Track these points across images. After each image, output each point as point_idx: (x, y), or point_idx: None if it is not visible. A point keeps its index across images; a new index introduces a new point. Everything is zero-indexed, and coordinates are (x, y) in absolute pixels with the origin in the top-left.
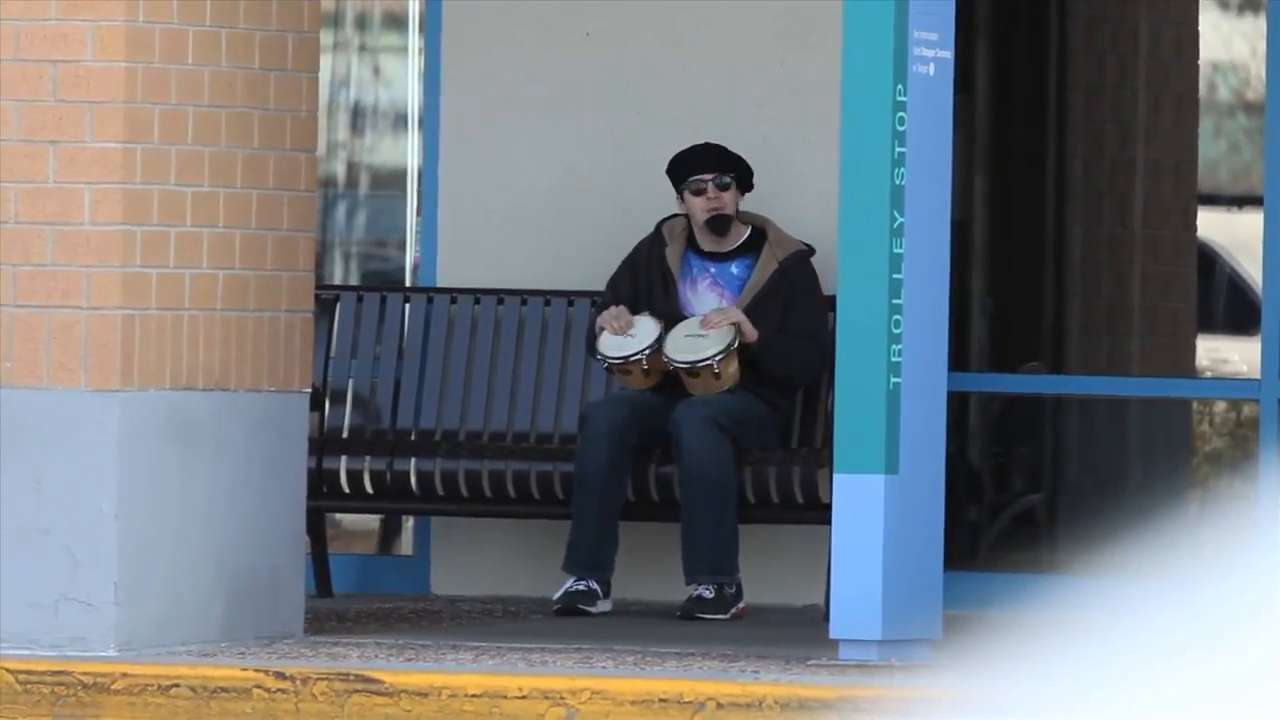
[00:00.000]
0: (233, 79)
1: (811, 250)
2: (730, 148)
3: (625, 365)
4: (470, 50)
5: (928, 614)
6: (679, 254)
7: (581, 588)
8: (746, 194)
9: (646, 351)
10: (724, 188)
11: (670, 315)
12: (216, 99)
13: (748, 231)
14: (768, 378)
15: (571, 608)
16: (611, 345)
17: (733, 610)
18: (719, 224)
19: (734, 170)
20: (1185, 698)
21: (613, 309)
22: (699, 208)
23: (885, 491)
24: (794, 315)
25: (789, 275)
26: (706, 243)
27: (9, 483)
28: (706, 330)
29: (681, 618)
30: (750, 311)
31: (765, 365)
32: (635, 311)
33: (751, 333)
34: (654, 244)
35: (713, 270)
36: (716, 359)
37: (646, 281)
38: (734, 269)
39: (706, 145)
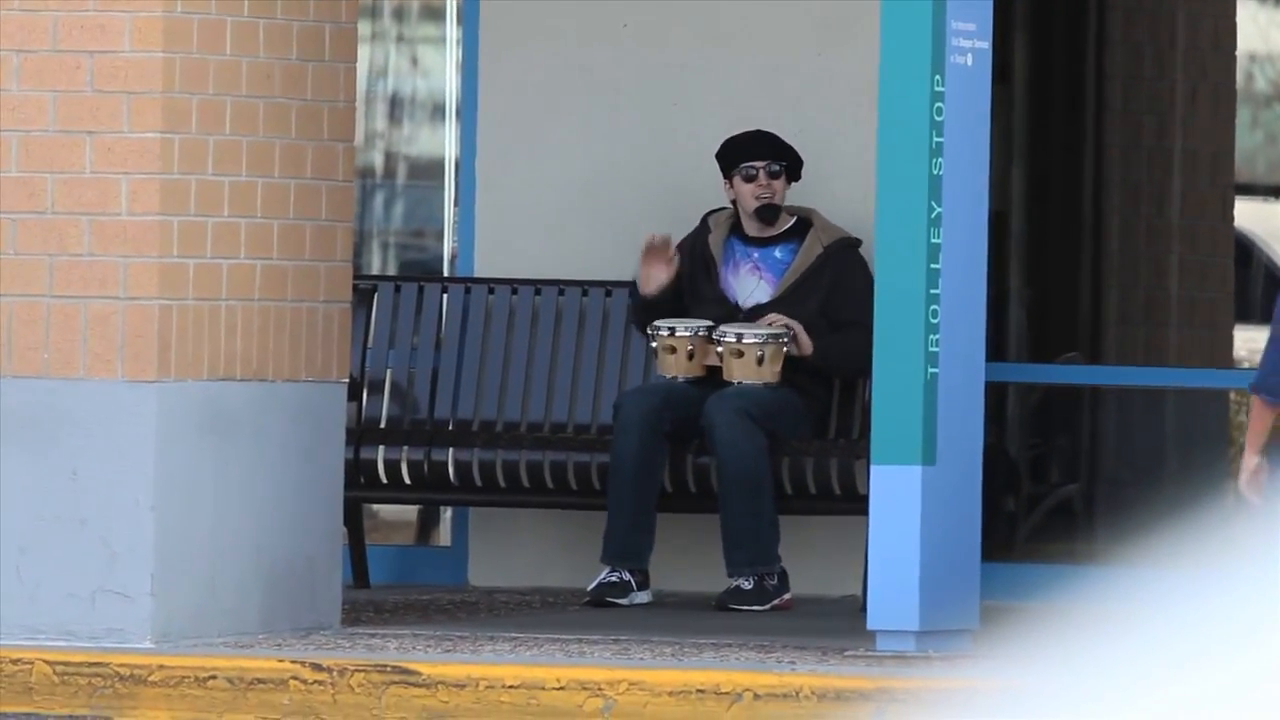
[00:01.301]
0: (270, 69)
1: (859, 241)
2: None
3: (672, 341)
4: (508, 42)
5: (965, 605)
6: (722, 239)
7: (614, 579)
8: (793, 184)
9: (700, 330)
10: (775, 175)
11: (712, 298)
12: (254, 89)
13: (793, 220)
14: (830, 376)
15: (601, 600)
16: (666, 321)
17: (774, 602)
18: (768, 213)
19: (786, 159)
20: (1222, 690)
21: (655, 236)
22: (749, 194)
23: (923, 482)
24: (842, 303)
25: (833, 262)
26: (752, 228)
27: (46, 474)
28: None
29: (718, 609)
30: (791, 294)
31: (829, 370)
32: (678, 299)
33: (807, 344)
34: (699, 234)
35: (755, 255)
36: (766, 340)
37: (690, 267)
38: (777, 253)
39: (760, 132)
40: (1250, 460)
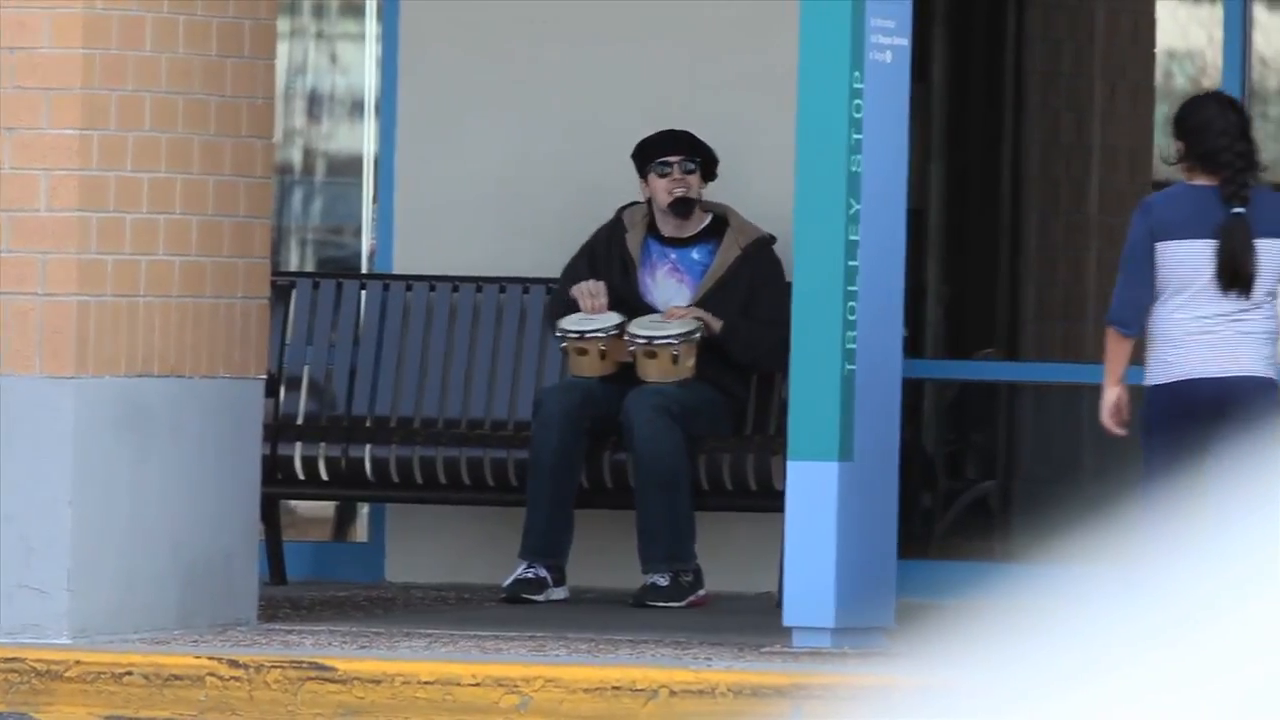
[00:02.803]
0: (190, 66)
1: (773, 238)
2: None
3: (583, 344)
4: (427, 37)
5: (881, 602)
6: (639, 240)
7: (530, 576)
8: (709, 183)
9: (610, 330)
10: (689, 171)
11: (629, 301)
12: (174, 85)
13: (708, 219)
14: (735, 364)
15: (517, 597)
16: (573, 321)
17: (690, 598)
18: (682, 206)
19: (700, 156)
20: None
21: (591, 283)
22: (663, 189)
23: (839, 479)
24: (759, 302)
25: (751, 262)
26: (667, 228)
27: None
28: (669, 320)
29: (634, 605)
30: (711, 297)
31: (732, 352)
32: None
33: (715, 323)
34: (614, 230)
35: (673, 256)
36: (679, 340)
37: (606, 267)
38: (695, 255)
39: (674, 130)
40: (1110, 393)
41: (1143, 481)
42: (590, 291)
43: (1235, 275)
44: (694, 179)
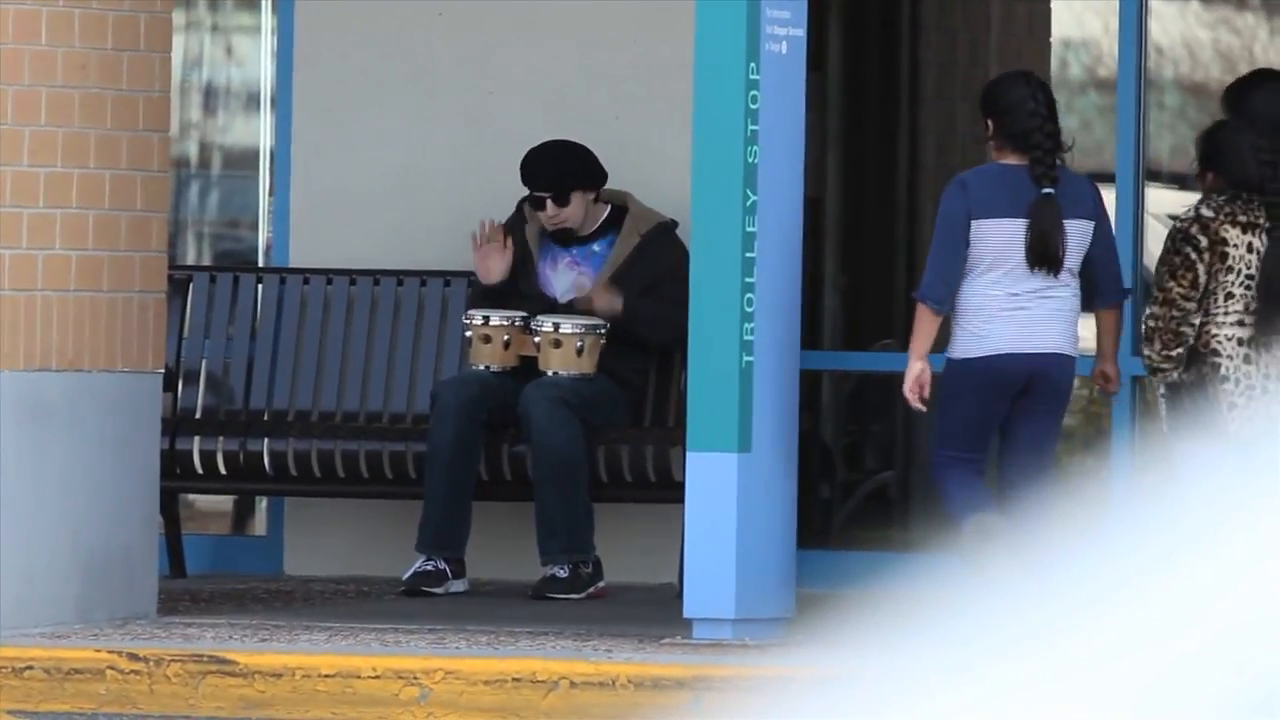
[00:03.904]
0: (86, 59)
1: (674, 223)
2: (580, 127)
3: (487, 330)
4: (323, 30)
5: (781, 592)
6: (538, 233)
7: (429, 568)
8: (601, 185)
9: (514, 320)
10: (563, 203)
11: (530, 294)
12: (70, 79)
13: (606, 211)
14: (640, 345)
15: (416, 589)
16: (479, 311)
17: (590, 590)
18: (561, 236)
19: (572, 182)
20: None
21: (488, 222)
22: (543, 219)
23: (738, 470)
24: (661, 285)
25: (651, 248)
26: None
27: None
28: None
29: (534, 597)
30: (612, 284)
31: (635, 331)
32: (502, 292)
33: (614, 303)
34: (516, 223)
35: (573, 251)
36: (584, 331)
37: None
38: (595, 247)
39: (539, 157)
40: (915, 366)
41: (943, 438)
42: (481, 230)
43: (1044, 254)
44: (570, 209)
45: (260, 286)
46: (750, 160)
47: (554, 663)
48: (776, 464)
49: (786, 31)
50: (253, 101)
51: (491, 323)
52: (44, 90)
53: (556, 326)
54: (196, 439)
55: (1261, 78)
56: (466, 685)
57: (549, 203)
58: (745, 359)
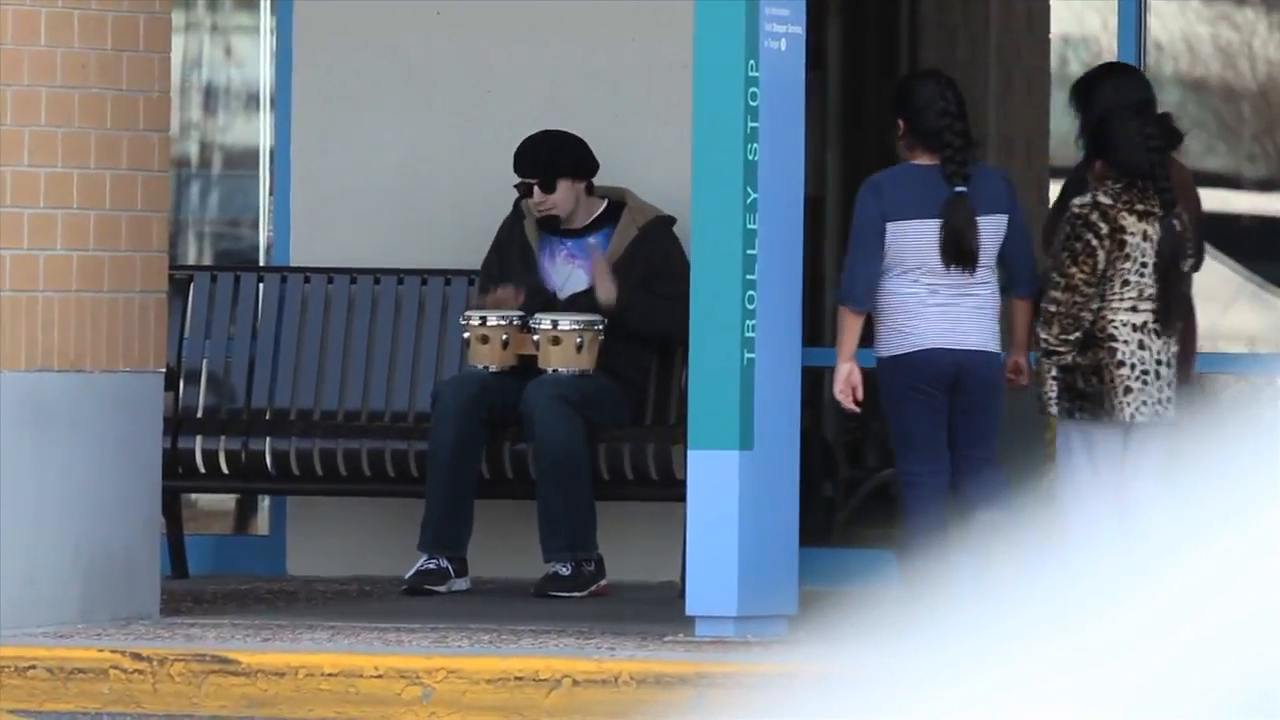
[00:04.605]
0: (85, 60)
1: (673, 219)
2: (579, 126)
3: (485, 330)
4: (322, 30)
5: (783, 590)
6: (536, 227)
7: (431, 567)
8: (591, 178)
9: (512, 320)
10: (549, 189)
11: (530, 288)
12: (69, 80)
13: (602, 206)
14: (637, 338)
15: (419, 588)
16: (477, 310)
17: (592, 588)
18: (548, 224)
19: (558, 170)
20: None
21: (507, 290)
22: (531, 206)
23: (740, 467)
24: (659, 279)
25: (649, 241)
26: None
27: None
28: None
29: (537, 595)
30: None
31: (630, 323)
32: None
33: (610, 291)
34: (514, 220)
35: (570, 244)
36: (583, 327)
37: (509, 255)
38: (591, 240)
39: (528, 145)
40: (844, 368)
41: (901, 449)
42: (503, 299)
43: (959, 252)
44: (557, 195)
45: (261, 286)
46: (750, 158)
47: (557, 661)
48: (778, 461)
49: (785, 29)
50: (252, 101)
51: (489, 323)
52: (44, 90)
53: (555, 324)
54: (198, 438)
55: (1109, 71)
56: (469, 684)
57: (535, 189)
58: (747, 356)
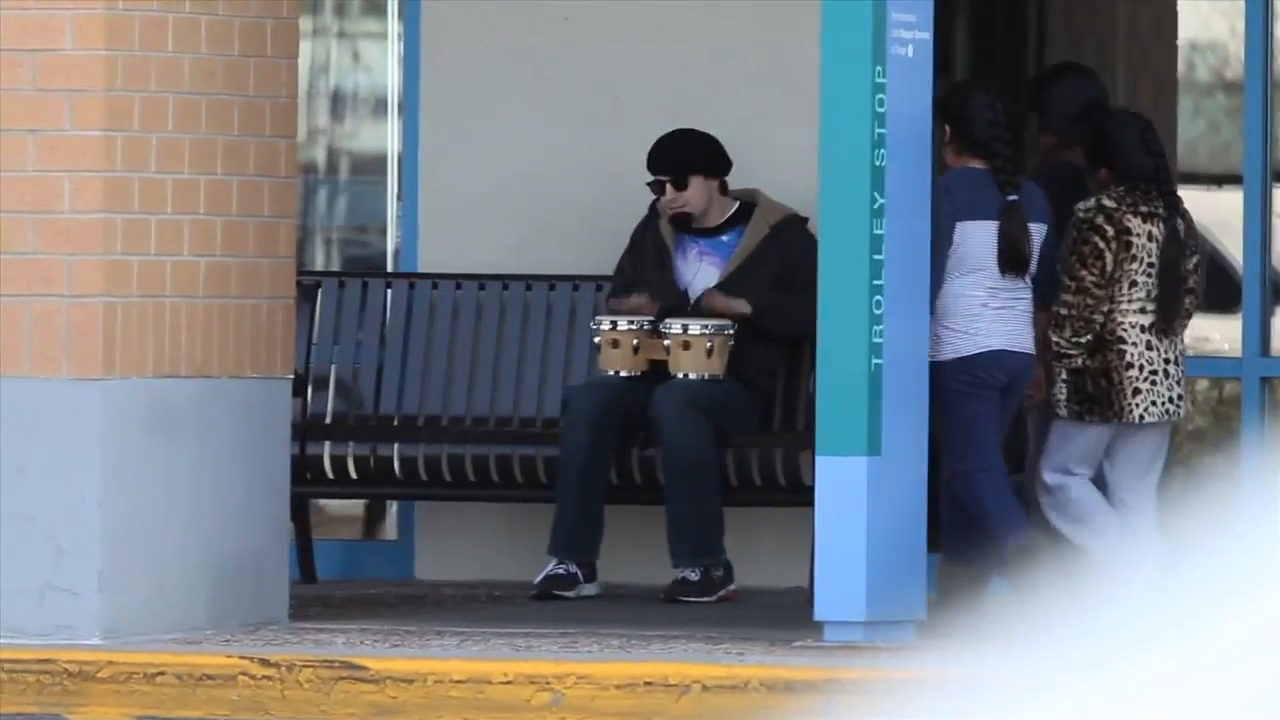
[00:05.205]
0: (212, 66)
1: (805, 217)
2: (707, 129)
3: (617, 335)
4: (449, 35)
5: (911, 595)
6: (671, 227)
7: (560, 572)
8: (724, 176)
9: (643, 324)
10: (681, 186)
11: (665, 287)
12: (196, 86)
13: (734, 206)
14: (774, 339)
15: (548, 593)
16: (609, 315)
17: (720, 593)
18: (681, 221)
19: (691, 167)
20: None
21: (640, 298)
22: (664, 204)
23: (868, 473)
24: (793, 275)
25: (782, 239)
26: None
27: None
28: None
29: (666, 601)
30: (740, 274)
31: (767, 326)
32: (633, 288)
33: (735, 305)
34: (649, 221)
35: (701, 242)
36: (714, 332)
37: (643, 256)
38: (724, 238)
39: (662, 142)
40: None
41: (963, 448)
42: (637, 306)
43: (1015, 258)
44: (690, 192)
45: (389, 292)
46: (877, 163)
47: (686, 666)
48: (906, 467)
49: (913, 35)
50: (380, 107)
51: (620, 327)
52: (171, 97)
53: (685, 328)
54: (327, 444)
55: (1062, 71)
56: (599, 689)
57: (668, 186)
58: (874, 362)
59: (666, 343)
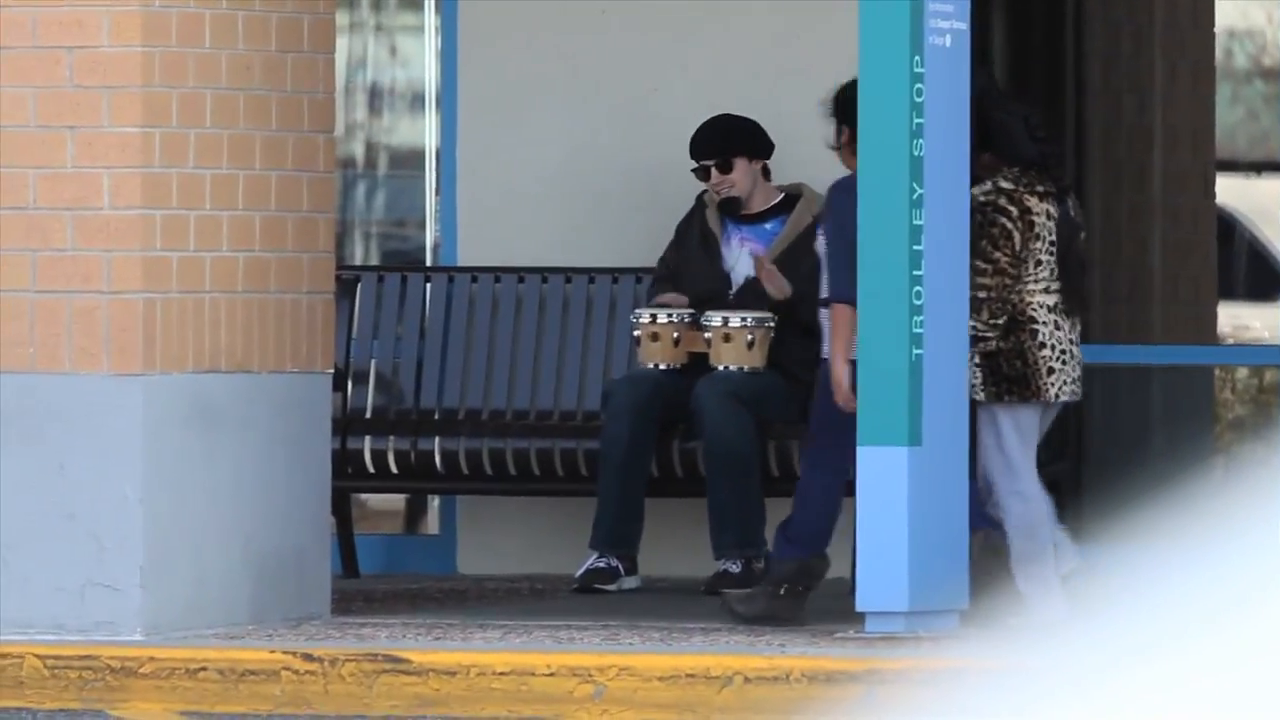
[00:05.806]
0: (250, 61)
1: None
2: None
3: (657, 328)
4: (486, 29)
5: (953, 585)
6: (718, 216)
7: (601, 565)
8: (767, 159)
9: (683, 317)
10: (726, 169)
11: (711, 273)
12: (234, 82)
13: (779, 196)
14: (808, 329)
15: (589, 587)
16: (649, 308)
17: None
18: (728, 206)
19: (734, 149)
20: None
21: (673, 296)
22: (710, 190)
23: (909, 463)
24: None
25: None
26: (737, 208)
27: (34, 468)
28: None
29: (707, 593)
30: (780, 261)
31: (803, 315)
32: (678, 278)
33: (782, 286)
34: (695, 212)
35: (744, 229)
36: (755, 325)
37: (688, 245)
38: (768, 226)
39: (704, 127)
40: (842, 369)
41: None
42: (671, 302)
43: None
44: (735, 174)
45: (428, 286)
46: (916, 153)
47: (728, 658)
48: (947, 457)
49: (950, 25)
50: (418, 101)
51: (660, 320)
52: (208, 93)
53: (725, 320)
54: (367, 438)
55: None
56: (641, 682)
57: (713, 170)
58: (915, 352)
59: (707, 335)
